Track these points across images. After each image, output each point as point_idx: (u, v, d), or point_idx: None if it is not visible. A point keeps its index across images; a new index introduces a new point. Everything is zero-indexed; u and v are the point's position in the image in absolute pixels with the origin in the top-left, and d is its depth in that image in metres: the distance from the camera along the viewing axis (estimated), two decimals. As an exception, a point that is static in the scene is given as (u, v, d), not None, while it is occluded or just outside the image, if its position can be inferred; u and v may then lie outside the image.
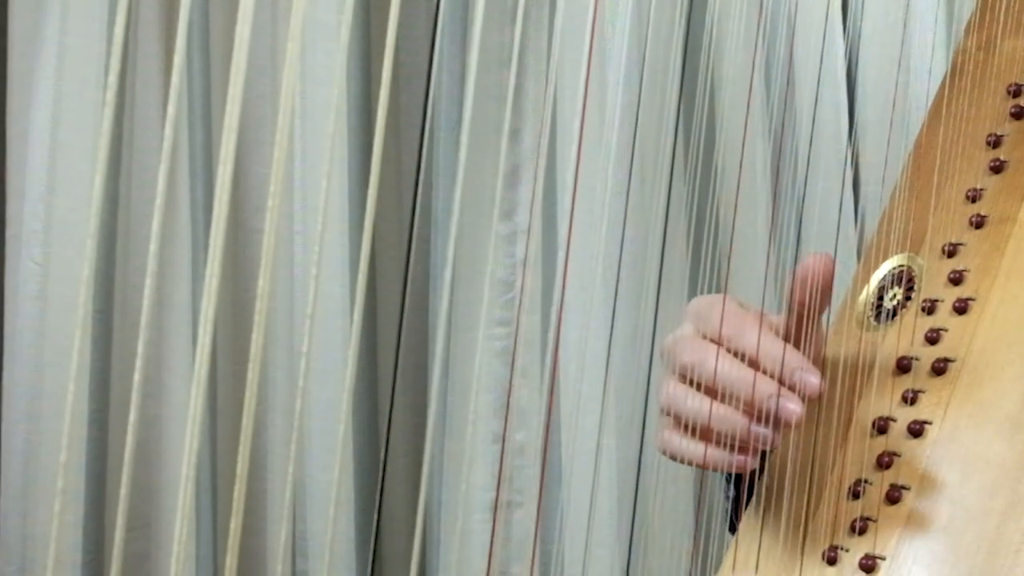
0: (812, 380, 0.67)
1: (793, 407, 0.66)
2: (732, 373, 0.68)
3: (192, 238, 1.25)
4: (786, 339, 0.69)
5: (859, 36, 1.16)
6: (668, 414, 0.71)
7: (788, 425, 0.67)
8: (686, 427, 0.70)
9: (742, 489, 0.72)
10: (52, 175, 1.20)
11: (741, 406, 0.68)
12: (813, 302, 0.68)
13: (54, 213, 1.20)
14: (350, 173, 1.24)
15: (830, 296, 0.69)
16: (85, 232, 1.14)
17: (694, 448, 0.70)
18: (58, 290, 1.20)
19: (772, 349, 0.68)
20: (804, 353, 0.68)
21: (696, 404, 0.69)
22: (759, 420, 0.67)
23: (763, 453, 0.71)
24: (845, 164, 1.03)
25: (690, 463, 0.71)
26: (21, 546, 1.18)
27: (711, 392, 0.69)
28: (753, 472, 0.70)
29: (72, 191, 1.20)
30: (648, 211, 1.04)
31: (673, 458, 0.72)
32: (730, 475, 0.76)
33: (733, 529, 0.74)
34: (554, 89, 1.16)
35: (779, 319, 0.71)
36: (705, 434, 0.69)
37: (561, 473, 1.18)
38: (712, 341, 0.70)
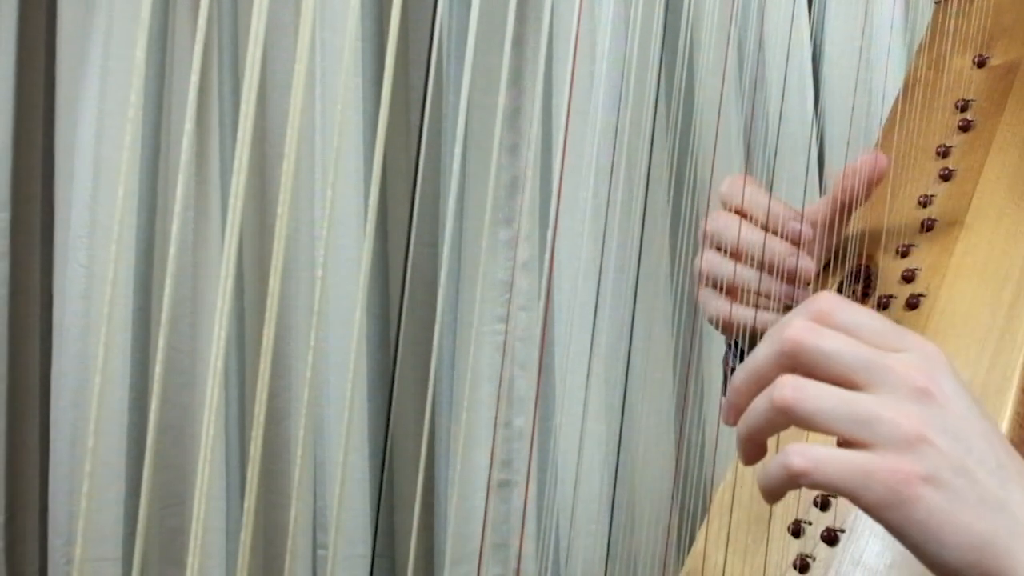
0: (805, 266, 0.70)
1: (806, 265, 0.70)
2: (749, 236, 0.71)
3: (223, 240, 1.25)
4: (821, 222, 0.71)
5: (823, 57, 1.16)
6: (703, 280, 0.73)
7: (806, 281, 0.69)
8: (718, 287, 0.72)
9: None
10: (96, 186, 1.20)
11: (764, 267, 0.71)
12: (856, 192, 0.70)
13: (98, 220, 1.20)
14: (366, 182, 1.24)
15: (872, 191, 0.70)
16: (126, 237, 1.14)
17: (722, 306, 0.72)
18: (101, 290, 1.20)
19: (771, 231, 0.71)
20: (831, 238, 0.71)
21: (720, 264, 0.72)
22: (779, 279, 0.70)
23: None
24: (807, 175, 1.03)
25: (716, 322, 0.73)
26: (68, 521, 1.18)
27: (736, 257, 0.72)
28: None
29: (113, 200, 1.20)
30: (630, 218, 1.04)
31: (710, 320, 0.74)
32: (730, 346, 0.76)
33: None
34: (540, 108, 1.16)
35: (816, 205, 0.72)
36: (732, 293, 0.72)
37: (557, 456, 1.18)
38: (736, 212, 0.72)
